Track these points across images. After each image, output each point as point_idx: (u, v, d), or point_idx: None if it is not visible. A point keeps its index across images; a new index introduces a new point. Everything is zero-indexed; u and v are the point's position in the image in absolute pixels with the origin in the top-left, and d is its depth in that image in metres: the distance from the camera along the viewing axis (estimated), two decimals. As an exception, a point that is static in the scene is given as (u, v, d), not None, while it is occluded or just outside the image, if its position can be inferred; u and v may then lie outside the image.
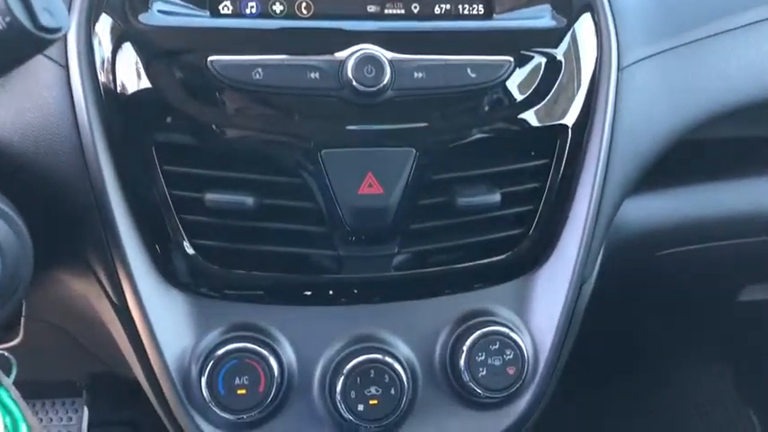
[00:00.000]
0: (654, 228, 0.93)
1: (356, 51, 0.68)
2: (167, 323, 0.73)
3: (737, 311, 1.41)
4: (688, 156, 0.93)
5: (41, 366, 1.04)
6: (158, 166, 0.70)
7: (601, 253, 0.84)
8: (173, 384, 0.74)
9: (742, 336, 1.57)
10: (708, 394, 1.69)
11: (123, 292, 0.73)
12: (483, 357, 0.75)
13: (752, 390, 1.68)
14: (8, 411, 0.67)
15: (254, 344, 0.72)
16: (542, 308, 0.79)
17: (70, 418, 1.60)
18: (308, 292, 0.76)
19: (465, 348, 0.76)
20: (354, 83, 0.68)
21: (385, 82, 0.68)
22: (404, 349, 0.77)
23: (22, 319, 0.91)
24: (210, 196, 0.70)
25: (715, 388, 1.69)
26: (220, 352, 0.72)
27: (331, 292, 0.77)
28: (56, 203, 0.72)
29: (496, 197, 0.74)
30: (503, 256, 0.78)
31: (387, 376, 0.74)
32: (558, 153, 0.77)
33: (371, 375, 0.74)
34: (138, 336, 0.74)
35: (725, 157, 1.02)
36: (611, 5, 0.79)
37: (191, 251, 0.72)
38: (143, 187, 0.71)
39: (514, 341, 0.76)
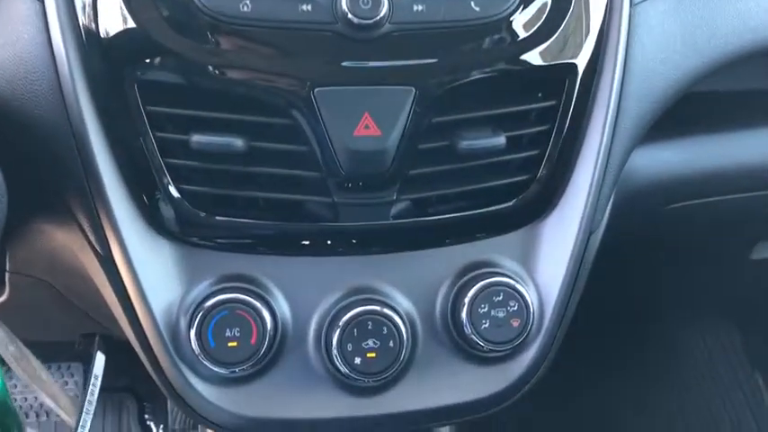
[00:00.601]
0: (664, 179, 0.90)
1: None
2: (154, 274, 0.70)
3: (748, 270, 1.38)
4: (699, 107, 0.89)
5: (36, 330, 1.01)
6: (141, 106, 0.66)
7: (610, 204, 0.80)
8: (161, 338, 0.70)
9: (751, 296, 1.54)
10: (713, 355, 1.67)
11: (107, 242, 0.69)
12: (486, 309, 0.72)
13: (759, 352, 1.66)
14: None
15: (245, 295, 0.69)
16: (549, 258, 0.75)
17: (66, 383, 1.58)
18: (302, 242, 0.73)
19: (467, 300, 0.72)
20: (349, 15, 0.63)
21: (382, 14, 0.64)
22: (403, 301, 0.73)
23: (7, 275, 0.88)
24: (197, 138, 0.66)
25: (721, 349, 1.67)
26: (210, 303, 0.68)
27: (326, 242, 0.73)
28: (34, 147, 0.68)
29: (501, 140, 0.70)
30: (507, 204, 0.74)
31: (385, 328, 0.70)
32: (566, 94, 0.72)
33: (369, 327, 0.70)
34: (124, 288, 0.71)
35: (737, 109, 0.98)
36: None
37: (177, 197, 0.68)
38: (126, 129, 0.67)
39: (519, 293, 0.72)
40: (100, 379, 0.63)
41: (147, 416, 1.65)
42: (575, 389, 1.55)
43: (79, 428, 0.60)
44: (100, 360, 0.65)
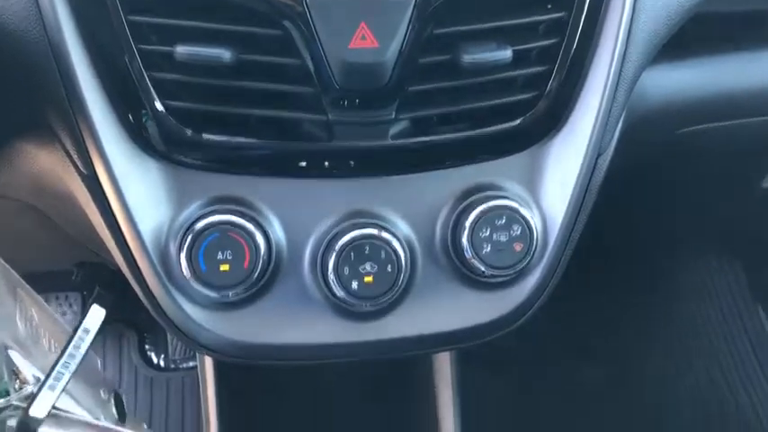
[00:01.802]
0: (676, 101, 0.86)
1: None
2: (141, 194, 0.67)
3: (757, 205, 1.35)
4: (713, 28, 0.85)
5: (29, 260, 0.99)
6: (122, 15, 0.62)
7: (619, 126, 0.76)
8: (150, 261, 0.68)
9: (757, 229, 1.51)
10: (717, 289, 1.66)
11: (91, 160, 0.66)
12: (487, 233, 0.69)
13: (763, 290, 1.65)
14: None
15: (237, 217, 0.66)
16: (554, 181, 0.72)
17: (64, 313, 1.57)
18: (297, 163, 0.69)
19: (468, 224, 0.69)
20: None
21: None
22: (401, 225, 0.70)
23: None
24: (182, 49, 0.62)
25: (726, 287, 1.66)
26: (200, 225, 0.65)
27: (322, 164, 0.70)
28: (9, 61, 0.64)
29: (507, 54, 0.66)
30: (513, 124, 0.70)
31: (383, 252, 0.68)
32: (577, 6, 0.68)
33: (366, 252, 0.68)
34: (111, 209, 0.68)
35: (753, 30, 0.94)
36: None
37: (162, 113, 0.65)
38: (106, 41, 0.63)
39: (522, 216, 0.69)
40: (91, 336, 0.58)
41: (147, 346, 1.65)
42: (577, 321, 1.55)
43: (49, 381, 0.55)
44: (96, 313, 0.59)
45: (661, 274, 1.65)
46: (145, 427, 0.77)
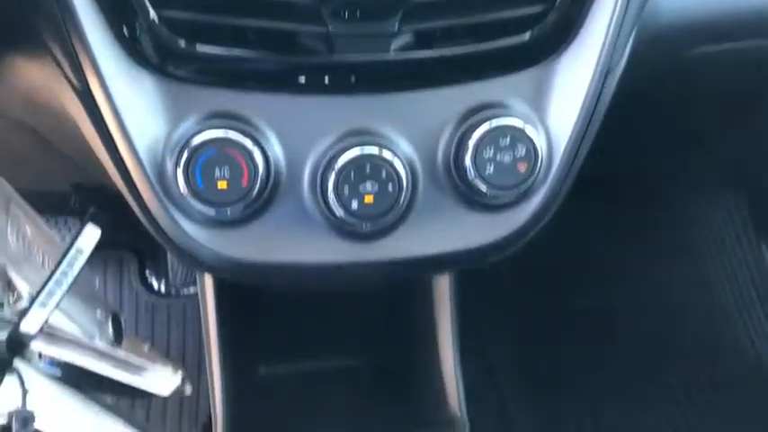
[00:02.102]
0: (688, 18, 0.83)
1: None
2: (136, 108, 0.65)
3: (765, 134, 1.33)
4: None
5: (27, 181, 0.98)
6: None
7: (630, 43, 0.74)
8: (147, 178, 0.67)
9: (764, 163, 1.50)
10: (720, 221, 1.65)
11: (83, 72, 0.64)
12: (491, 153, 0.67)
13: (766, 221, 1.64)
14: None
15: (234, 133, 0.64)
16: (562, 99, 0.69)
17: (63, 237, 1.57)
18: (296, 78, 0.67)
19: (471, 143, 0.67)
20: None
21: None
22: (403, 144, 0.69)
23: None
24: (175, -46, 0.59)
25: (728, 216, 1.65)
26: (197, 141, 0.64)
27: (322, 79, 0.68)
28: None
29: None
30: (520, 38, 0.68)
31: (384, 171, 0.66)
32: None
33: (366, 170, 0.66)
34: (105, 124, 0.66)
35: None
36: None
37: (155, 22, 0.62)
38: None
39: (527, 136, 0.68)
40: (85, 255, 0.57)
41: (147, 272, 1.66)
42: (580, 248, 1.55)
43: (40, 298, 0.55)
44: (90, 233, 0.58)
45: (664, 205, 1.64)
46: (146, 348, 0.77)
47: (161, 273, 1.64)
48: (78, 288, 0.61)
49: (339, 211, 0.67)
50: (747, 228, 1.63)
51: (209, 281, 1.00)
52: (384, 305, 1.15)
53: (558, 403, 1.53)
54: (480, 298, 1.62)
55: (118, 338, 0.65)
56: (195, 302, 1.03)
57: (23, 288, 0.58)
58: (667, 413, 1.50)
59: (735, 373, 1.56)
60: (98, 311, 0.64)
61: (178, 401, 1.46)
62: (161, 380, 0.60)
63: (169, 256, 1.63)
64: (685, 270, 1.65)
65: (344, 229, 0.69)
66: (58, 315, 0.58)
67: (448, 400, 0.98)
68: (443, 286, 1.01)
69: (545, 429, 1.48)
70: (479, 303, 1.61)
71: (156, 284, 1.64)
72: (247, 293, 1.10)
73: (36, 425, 0.53)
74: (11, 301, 0.58)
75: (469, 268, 0.75)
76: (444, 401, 0.98)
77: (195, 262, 0.71)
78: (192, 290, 1.60)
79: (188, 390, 0.70)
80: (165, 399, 1.46)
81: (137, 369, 0.59)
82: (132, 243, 1.66)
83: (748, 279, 1.63)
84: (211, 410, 0.99)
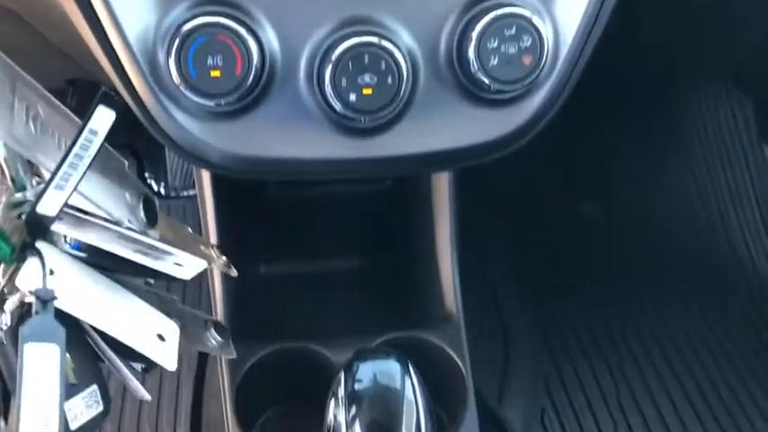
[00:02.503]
0: None
1: None
2: (124, -5, 0.62)
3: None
4: None
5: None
6: None
7: None
8: (139, 68, 0.64)
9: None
10: (723, 123, 1.63)
11: None
12: (495, 44, 0.65)
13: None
14: None
15: (227, 19, 0.62)
16: (570, -12, 0.66)
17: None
18: None
19: (475, 35, 0.65)
20: None
21: None
22: (404, 34, 0.66)
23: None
24: None
25: (732, 117, 1.62)
26: (187, 27, 0.61)
27: None
28: None
29: None
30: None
31: (383, 63, 0.64)
32: None
33: (365, 62, 0.64)
34: (94, 10, 0.63)
35: None
36: None
37: None
38: None
39: (534, 26, 0.65)
40: (100, 138, 0.54)
41: (146, 174, 1.65)
42: (580, 143, 1.53)
43: (56, 181, 0.53)
44: (104, 114, 0.55)
45: (666, 104, 1.61)
46: (189, 229, 0.75)
47: (160, 174, 1.64)
48: (103, 171, 0.59)
49: (337, 105, 0.65)
50: (751, 130, 1.61)
51: (206, 180, 0.99)
52: (383, 206, 1.14)
53: (555, 309, 1.55)
54: (480, 203, 1.62)
55: (151, 221, 0.63)
56: (195, 204, 1.03)
57: (45, 171, 0.57)
58: (664, 321, 1.53)
59: (730, 282, 1.58)
60: (127, 195, 0.62)
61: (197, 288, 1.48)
62: (185, 265, 0.60)
63: (168, 157, 1.62)
64: (685, 173, 1.64)
65: (343, 124, 0.67)
66: (80, 199, 0.56)
67: (445, 301, 0.99)
68: (443, 187, 1.00)
69: (540, 333, 1.51)
70: (479, 208, 1.62)
71: (155, 186, 1.63)
72: (247, 195, 1.09)
73: (59, 304, 0.53)
74: (33, 184, 0.57)
75: (471, 165, 0.74)
76: (441, 301, 0.99)
77: (190, 156, 0.70)
78: (191, 192, 1.60)
79: (233, 271, 0.71)
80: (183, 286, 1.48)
81: (162, 253, 0.59)
82: (131, 145, 1.64)
83: (748, 182, 1.62)
84: (212, 308, 1.00)
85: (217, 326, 0.70)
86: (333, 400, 0.54)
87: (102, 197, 0.58)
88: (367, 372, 0.55)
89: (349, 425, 0.52)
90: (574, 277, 1.59)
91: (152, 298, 0.64)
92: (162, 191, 1.63)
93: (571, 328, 1.51)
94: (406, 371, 0.55)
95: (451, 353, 0.90)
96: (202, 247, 0.71)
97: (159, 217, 0.64)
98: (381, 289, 1.11)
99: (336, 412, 0.53)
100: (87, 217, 0.56)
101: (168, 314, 0.64)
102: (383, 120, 0.67)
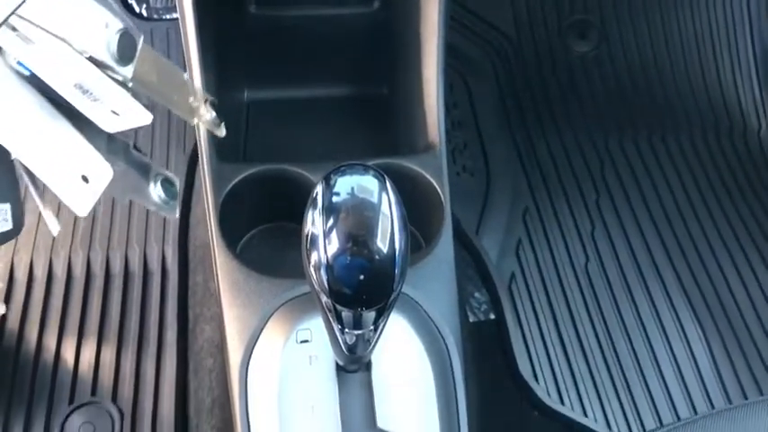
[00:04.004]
0: None
1: None
2: None
3: None
4: None
5: None
6: None
7: None
8: None
9: None
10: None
11: None
12: None
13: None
14: None
15: None
16: None
17: None
18: None
19: None
20: None
21: None
22: None
23: None
24: None
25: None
26: None
27: None
28: None
29: None
30: None
31: None
32: None
33: None
34: None
35: None
36: None
37: None
38: None
39: None
40: None
41: (127, -5, 1.58)
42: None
43: None
44: None
45: None
46: (185, 76, 0.69)
47: (141, -4, 1.57)
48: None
49: None
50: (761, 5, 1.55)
51: (187, 1, 0.95)
52: (370, 34, 1.11)
53: (534, 133, 1.57)
54: (468, 37, 1.58)
55: (124, 57, 0.56)
56: (178, 27, 0.99)
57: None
58: (643, 158, 1.55)
59: (713, 121, 1.59)
60: (107, 23, 0.56)
61: (166, 129, 1.48)
62: (123, 114, 0.54)
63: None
64: (685, 16, 1.60)
65: None
66: (50, 19, 0.52)
67: (428, 131, 0.99)
68: (432, 15, 0.97)
69: (521, 168, 1.53)
70: (469, 42, 1.58)
71: (136, 7, 1.57)
72: (228, 16, 1.06)
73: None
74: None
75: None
76: (425, 131, 0.99)
77: None
78: (174, 15, 1.54)
79: (221, 131, 0.67)
80: (152, 127, 1.48)
81: (106, 93, 0.53)
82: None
83: (752, 58, 1.59)
84: (196, 138, 1.00)
85: (166, 182, 0.65)
86: (310, 212, 0.56)
87: (71, 20, 0.54)
88: (344, 185, 0.56)
89: (326, 235, 0.54)
90: (559, 105, 1.60)
91: (99, 137, 0.58)
92: (144, 12, 1.57)
93: (552, 163, 1.54)
94: (383, 186, 0.56)
95: (431, 179, 0.91)
96: (191, 99, 0.67)
97: (146, 57, 0.58)
98: (366, 118, 1.11)
99: (314, 223, 0.55)
100: (41, 38, 0.52)
101: (113, 157, 0.59)
102: None
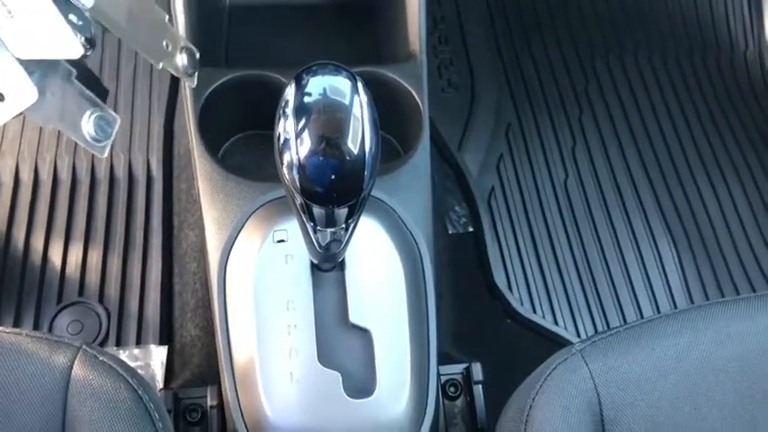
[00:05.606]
0: None
1: None
2: None
3: None
4: None
5: None
6: None
7: None
8: None
9: None
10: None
11: None
12: None
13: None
14: None
15: None
16: None
17: None
18: None
19: None
20: None
21: None
22: None
23: None
24: None
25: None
26: None
27: None
28: None
29: None
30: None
31: None
32: None
33: None
34: None
35: None
36: None
37: None
38: None
39: None
40: None
41: None
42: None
43: None
44: None
45: None
46: (166, 18, 0.67)
47: None
48: None
49: None
50: None
51: None
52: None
53: (521, 50, 1.56)
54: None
55: None
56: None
57: None
58: (628, 77, 1.55)
59: (698, 43, 1.58)
60: None
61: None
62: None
63: None
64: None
65: None
66: None
67: (410, 41, 0.98)
68: None
69: (506, 83, 1.53)
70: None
71: None
72: None
73: None
74: None
75: None
76: (406, 41, 0.99)
77: None
78: None
79: (193, 80, 0.65)
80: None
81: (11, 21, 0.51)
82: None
83: None
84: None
85: (102, 120, 0.62)
86: (282, 112, 0.56)
87: None
88: (316, 85, 0.56)
89: (298, 135, 0.55)
90: (547, 22, 1.58)
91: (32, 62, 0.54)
92: None
93: (538, 80, 1.53)
94: (354, 88, 0.56)
95: (410, 89, 0.92)
96: (165, 43, 0.65)
97: None
98: (348, 27, 1.11)
99: (285, 124, 0.55)
100: None
101: (48, 81, 0.56)
102: None
